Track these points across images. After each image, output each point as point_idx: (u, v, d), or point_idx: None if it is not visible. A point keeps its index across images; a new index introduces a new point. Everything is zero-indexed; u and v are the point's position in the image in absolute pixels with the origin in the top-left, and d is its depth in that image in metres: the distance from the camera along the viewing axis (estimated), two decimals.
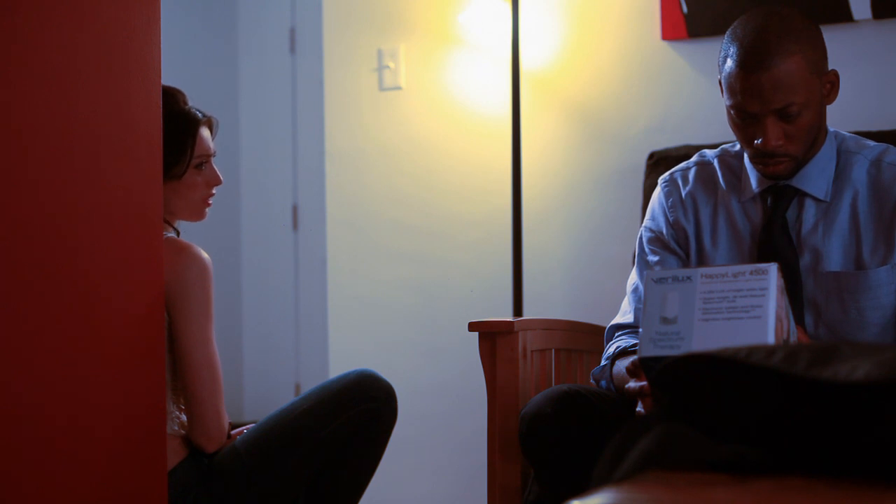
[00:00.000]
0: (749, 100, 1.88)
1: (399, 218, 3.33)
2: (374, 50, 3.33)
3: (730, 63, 1.90)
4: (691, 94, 2.97)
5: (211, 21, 4.85)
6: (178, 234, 2.25)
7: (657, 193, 2.16)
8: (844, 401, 1.07)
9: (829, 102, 1.97)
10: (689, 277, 1.58)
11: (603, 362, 2.09)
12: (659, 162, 2.84)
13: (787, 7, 1.95)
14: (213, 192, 2.25)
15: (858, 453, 1.07)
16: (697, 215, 2.09)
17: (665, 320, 1.57)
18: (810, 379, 1.07)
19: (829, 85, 1.95)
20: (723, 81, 1.93)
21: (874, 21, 2.72)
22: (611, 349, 2.08)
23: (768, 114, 1.88)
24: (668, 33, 2.97)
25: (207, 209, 2.26)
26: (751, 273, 1.56)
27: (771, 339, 1.53)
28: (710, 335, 1.55)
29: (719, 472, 1.11)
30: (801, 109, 1.89)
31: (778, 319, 1.56)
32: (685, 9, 2.94)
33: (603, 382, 2.06)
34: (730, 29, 1.94)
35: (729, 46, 1.92)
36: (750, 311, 1.54)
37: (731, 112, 1.93)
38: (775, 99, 1.87)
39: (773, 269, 1.56)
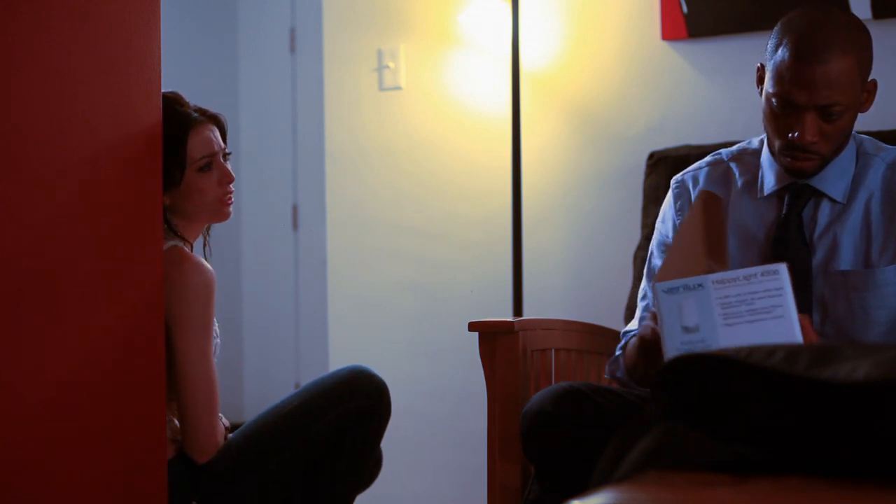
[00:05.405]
0: (797, 90, 1.87)
1: (399, 218, 3.33)
2: (374, 50, 3.33)
3: (782, 51, 1.89)
4: (691, 94, 2.97)
5: (211, 21, 4.85)
6: (191, 247, 2.20)
7: (668, 196, 2.16)
8: (844, 401, 1.07)
9: (864, 111, 1.98)
10: (700, 285, 1.59)
11: (617, 353, 2.10)
12: (659, 162, 2.84)
13: (841, 9, 1.95)
14: (230, 188, 2.20)
15: (858, 453, 1.07)
16: None
17: (687, 329, 1.57)
18: (810, 379, 1.07)
19: (866, 93, 1.96)
20: (769, 69, 1.92)
21: (874, 21, 2.73)
22: (622, 342, 2.10)
23: (811, 108, 1.88)
24: (668, 33, 2.97)
25: (229, 207, 2.20)
26: (762, 275, 1.57)
27: (798, 335, 1.53)
28: (736, 339, 1.55)
29: (719, 472, 1.11)
30: (843, 111, 1.89)
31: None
32: (685, 9, 2.94)
33: (619, 373, 2.06)
34: (783, 20, 1.93)
35: (783, 36, 1.91)
36: (771, 311, 1.55)
37: (773, 101, 1.92)
38: (823, 94, 1.87)
39: (783, 268, 1.57)
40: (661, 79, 3.00)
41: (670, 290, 1.59)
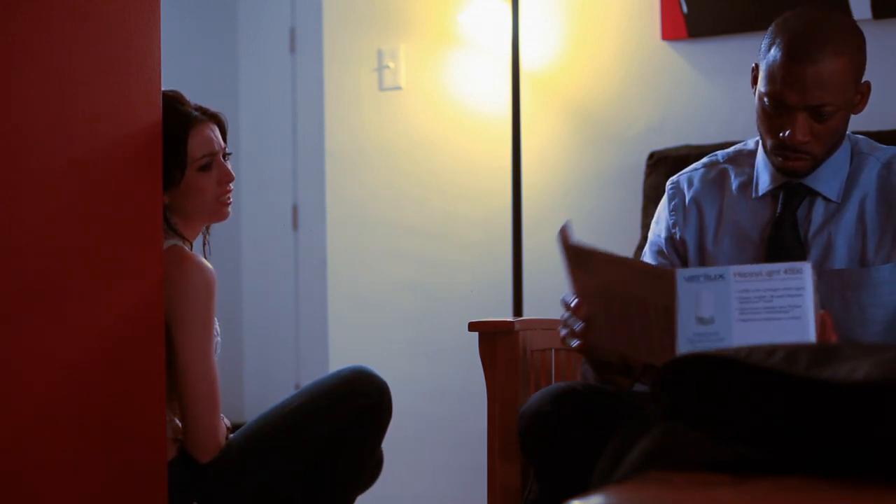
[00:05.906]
0: (788, 90, 1.87)
1: (399, 218, 3.33)
2: (374, 50, 3.33)
3: (775, 51, 1.89)
4: (691, 94, 2.97)
5: (211, 21, 4.85)
6: (191, 246, 2.21)
7: (663, 197, 2.17)
8: (844, 401, 1.07)
9: (857, 112, 1.98)
10: (721, 276, 1.57)
11: None
12: (659, 162, 2.84)
13: (836, 10, 1.95)
14: (230, 188, 2.19)
15: (858, 453, 1.07)
16: (701, 218, 2.09)
17: (701, 320, 1.56)
18: (810, 379, 1.07)
19: (860, 95, 1.96)
20: (762, 69, 1.92)
21: (874, 21, 2.72)
22: None
23: (802, 108, 1.88)
24: (668, 33, 2.97)
25: (228, 207, 2.20)
26: (785, 272, 1.55)
27: (812, 338, 1.52)
28: (749, 335, 1.53)
29: (719, 472, 1.11)
30: (834, 111, 1.89)
31: (816, 317, 1.55)
32: (685, 9, 2.94)
33: (587, 373, 2.06)
34: (778, 20, 1.93)
35: (776, 36, 1.91)
36: (789, 311, 1.53)
37: (764, 100, 1.92)
38: (814, 95, 1.87)
39: (807, 268, 1.55)
40: (661, 79, 3.00)
41: (691, 279, 1.58)
